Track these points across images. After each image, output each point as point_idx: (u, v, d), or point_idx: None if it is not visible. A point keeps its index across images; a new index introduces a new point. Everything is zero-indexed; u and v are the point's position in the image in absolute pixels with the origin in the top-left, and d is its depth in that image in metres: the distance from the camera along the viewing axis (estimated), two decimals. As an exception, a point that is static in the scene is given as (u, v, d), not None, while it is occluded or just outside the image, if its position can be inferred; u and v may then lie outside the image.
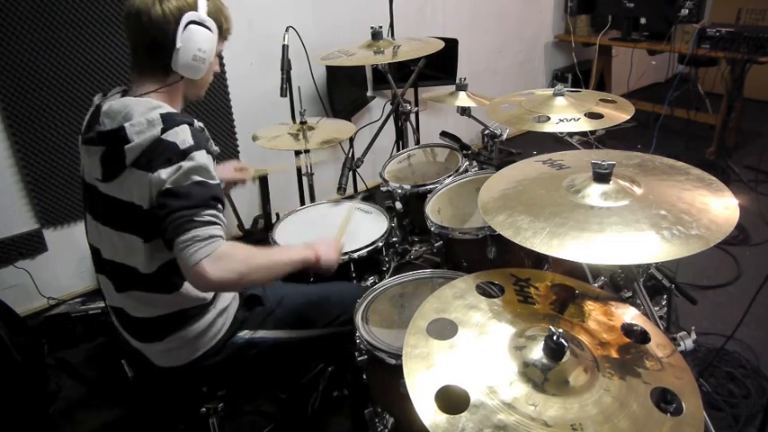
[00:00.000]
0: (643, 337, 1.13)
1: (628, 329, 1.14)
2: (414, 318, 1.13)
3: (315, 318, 1.59)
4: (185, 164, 1.21)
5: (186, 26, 1.27)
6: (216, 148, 1.35)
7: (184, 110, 1.41)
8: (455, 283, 1.24)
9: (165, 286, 1.34)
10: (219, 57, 1.42)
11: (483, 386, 0.97)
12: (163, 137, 1.22)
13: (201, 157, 1.24)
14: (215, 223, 1.21)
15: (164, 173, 1.20)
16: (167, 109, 1.28)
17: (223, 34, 1.38)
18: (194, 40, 1.28)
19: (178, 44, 1.27)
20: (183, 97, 1.40)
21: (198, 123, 1.30)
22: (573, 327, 1.13)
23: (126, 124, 1.23)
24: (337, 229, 1.73)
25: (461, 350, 1.05)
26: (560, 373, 0.98)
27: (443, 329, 1.10)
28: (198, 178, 1.22)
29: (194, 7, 1.28)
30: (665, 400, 0.99)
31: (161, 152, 1.21)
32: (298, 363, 1.90)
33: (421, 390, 0.96)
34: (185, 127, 1.25)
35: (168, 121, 1.24)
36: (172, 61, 1.29)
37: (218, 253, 1.18)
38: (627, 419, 0.92)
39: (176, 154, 1.21)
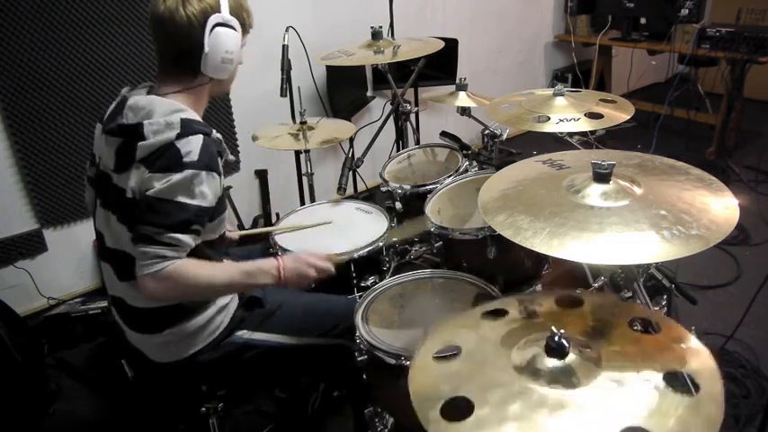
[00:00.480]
0: (648, 328, 1.13)
1: (633, 324, 1.15)
2: (419, 348, 1.10)
3: (313, 325, 1.58)
4: (175, 177, 1.22)
5: (212, 30, 1.28)
6: (231, 157, 1.36)
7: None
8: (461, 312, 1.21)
9: None
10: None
11: (490, 394, 0.95)
12: (175, 142, 1.24)
13: (195, 177, 1.24)
14: (173, 245, 1.24)
15: (156, 179, 1.23)
16: (190, 115, 1.29)
17: (246, 29, 1.40)
18: (221, 43, 1.30)
19: (206, 49, 1.29)
20: (208, 96, 1.42)
21: (216, 135, 1.31)
22: (576, 328, 1.12)
23: (145, 122, 1.25)
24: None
25: (464, 359, 1.03)
26: (566, 372, 0.98)
27: (447, 350, 1.09)
28: (180, 198, 1.23)
29: (217, 8, 1.29)
30: (678, 380, 0.99)
31: (166, 157, 1.23)
32: (294, 370, 1.90)
33: (427, 404, 0.94)
34: (200, 137, 1.26)
35: (186, 127, 1.25)
36: (201, 65, 1.31)
37: (162, 273, 1.22)
38: (638, 404, 0.92)
39: (176, 164, 1.23)
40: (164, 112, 1.26)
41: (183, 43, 1.29)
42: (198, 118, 1.33)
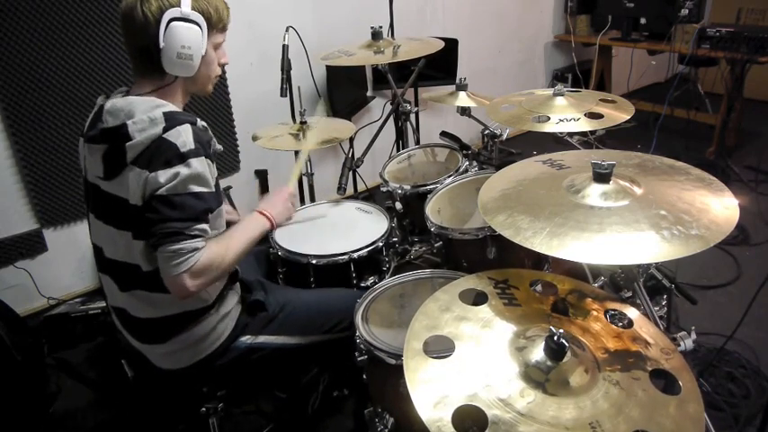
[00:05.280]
0: (626, 321, 1.14)
1: (612, 316, 1.16)
2: (407, 339, 1.09)
3: (316, 324, 1.59)
4: (183, 171, 1.22)
5: (168, 25, 1.25)
6: (219, 147, 1.36)
7: (187, 107, 1.41)
8: (437, 295, 1.21)
9: (165, 286, 1.34)
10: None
11: (495, 400, 0.95)
12: (164, 136, 1.23)
13: (200, 164, 1.25)
14: (201, 236, 1.26)
15: (161, 176, 1.21)
16: (170, 108, 1.28)
17: (215, 26, 1.35)
18: (177, 37, 1.26)
19: (161, 44, 1.25)
20: (183, 95, 1.39)
21: (201, 123, 1.30)
22: (562, 323, 1.13)
23: (128, 122, 1.23)
24: (291, 175, 1.81)
25: (465, 366, 1.02)
26: (564, 373, 0.98)
27: (440, 346, 1.08)
28: (195, 189, 1.24)
29: (176, 4, 1.26)
30: (664, 380, 1.00)
31: (161, 152, 1.22)
32: (299, 367, 1.90)
33: (437, 415, 0.93)
34: (187, 127, 1.25)
35: (170, 120, 1.24)
36: (162, 62, 1.28)
37: (197, 267, 1.25)
38: (636, 407, 0.94)
39: (176, 156, 1.22)
40: (144, 109, 1.25)
41: (141, 41, 1.27)
42: (179, 110, 1.31)
